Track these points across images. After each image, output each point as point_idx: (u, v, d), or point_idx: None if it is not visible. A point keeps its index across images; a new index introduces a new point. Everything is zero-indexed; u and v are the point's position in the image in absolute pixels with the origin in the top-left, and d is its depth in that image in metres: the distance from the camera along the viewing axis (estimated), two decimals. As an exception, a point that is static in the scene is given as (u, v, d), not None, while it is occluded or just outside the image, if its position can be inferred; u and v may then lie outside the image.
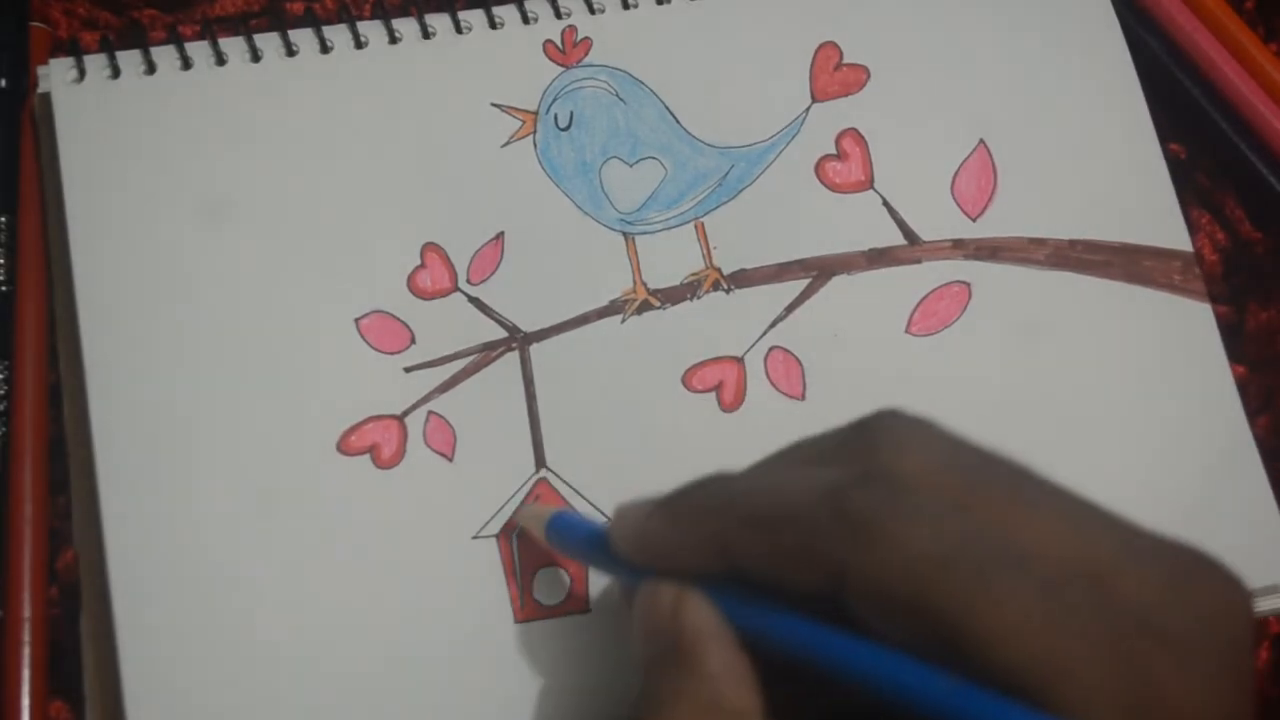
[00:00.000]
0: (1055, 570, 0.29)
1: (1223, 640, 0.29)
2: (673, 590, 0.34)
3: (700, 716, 0.32)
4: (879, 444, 0.32)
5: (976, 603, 0.28)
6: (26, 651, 0.42)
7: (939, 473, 0.31)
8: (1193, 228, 0.51)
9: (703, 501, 0.34)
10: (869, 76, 0.48)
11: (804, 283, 0.46)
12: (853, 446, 0.33)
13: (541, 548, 0.42)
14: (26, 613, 0.42)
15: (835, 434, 0.34)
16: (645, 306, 0.45)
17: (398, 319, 0.44)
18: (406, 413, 0.43)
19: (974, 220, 0.47)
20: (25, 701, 0.42)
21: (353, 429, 0.43)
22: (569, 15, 0.48)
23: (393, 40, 0.47)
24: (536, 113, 0.46)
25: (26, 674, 0.42)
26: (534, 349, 0.44)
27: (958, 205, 0.47)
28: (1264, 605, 0.44)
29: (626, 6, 0.48)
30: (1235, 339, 0.50)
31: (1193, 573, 0.30)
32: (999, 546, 0.29)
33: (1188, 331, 0.47)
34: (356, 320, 0.44)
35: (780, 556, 0.32)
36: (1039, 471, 0.32)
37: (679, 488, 0.35)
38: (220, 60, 0.46)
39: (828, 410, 0.44)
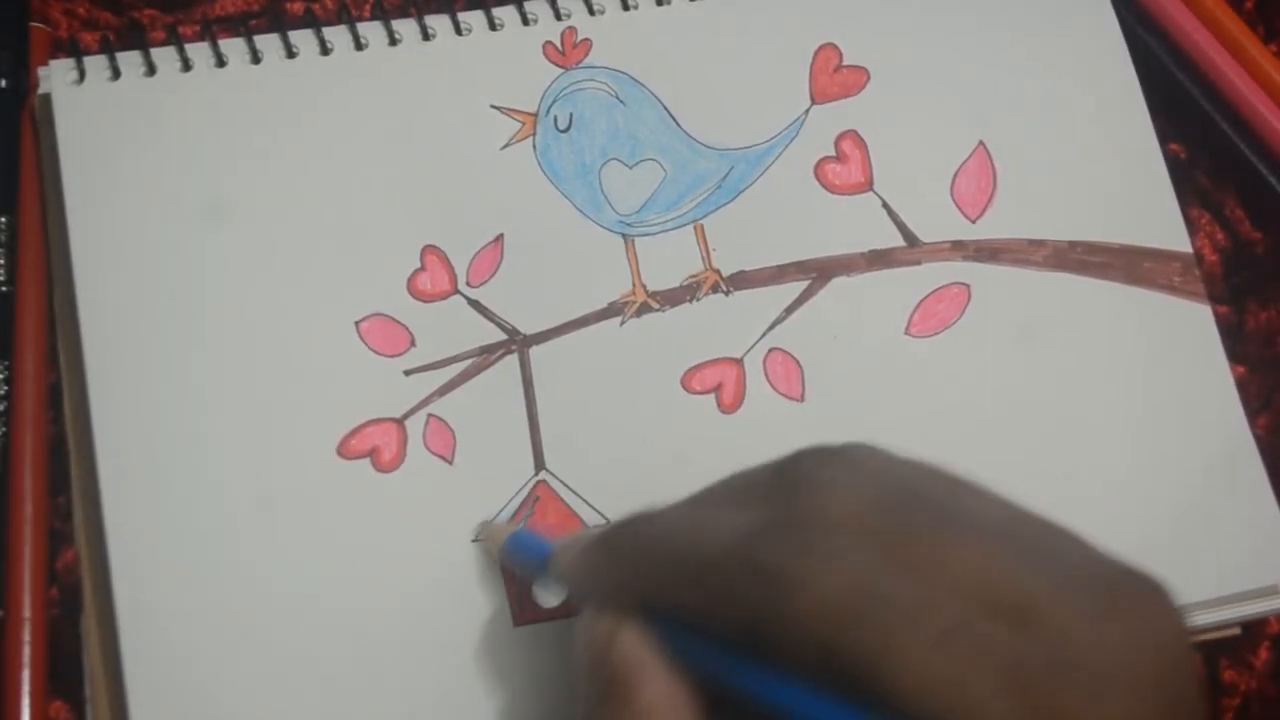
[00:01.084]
0: (970, 610, 0.29)
1: (1148, 670, 0.28)
2: (608, 620, 0.34)
3: None
4: (800, 486, 0.32)
5: (884, 655, 0.28)
6: (26, 651, 0.42)
7: (859, 514, 0.31)
8: (1193, 228, 0.51)
9: (635, 542, 0.34)
10: (868, 78, 0.48)
11: (803, 284, 0.46)
12: (774, 487, 0.32)
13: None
14: (26, 613, 0.42)
15: (762, 470, 0.33)
16: (645, 308, 0.45)
17: (397, 321, 0.44)
18: (406, 415, 0.43)
19: (973, 222, 0.47)
20: (25, 701, 0.42)
21: (353, 432, 0.43)
22: (569, 17, 0.48)
23: (392, 42, 0.47)
24: (536, 114, 0.46)
25: (26, 674, 0.42)
26: (533, 351, 0.44)
27: (957, 207, 0.47)
28: (1263, 606, 0.44)
29: (626, 8, 0.48)
30: (1235, 339, 0.50)
31: (1121, 600, 0.29)
32: (910, 594, 0.29)
33: (1187, 333, 0.47)
34: (356, 323, 0.44)
35: (701, 604, 0.32)
36: (979, 493, 0.31)
37: (614, 523, 0.35)
38: (220, 61, 0.46)
39: (827, 411, 0.44)
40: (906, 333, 0.46)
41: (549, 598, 0.41)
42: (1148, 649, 0.29)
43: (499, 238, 0.45)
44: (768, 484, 0.33)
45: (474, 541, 0.42)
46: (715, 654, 0.32)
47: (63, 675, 0.43)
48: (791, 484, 0.32)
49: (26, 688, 0.42)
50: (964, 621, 0.29)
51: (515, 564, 0.41)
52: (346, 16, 0.47)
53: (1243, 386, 0.48)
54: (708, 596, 0.31)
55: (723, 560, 0.31)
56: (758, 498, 0.33)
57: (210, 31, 0.46)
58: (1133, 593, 0.30)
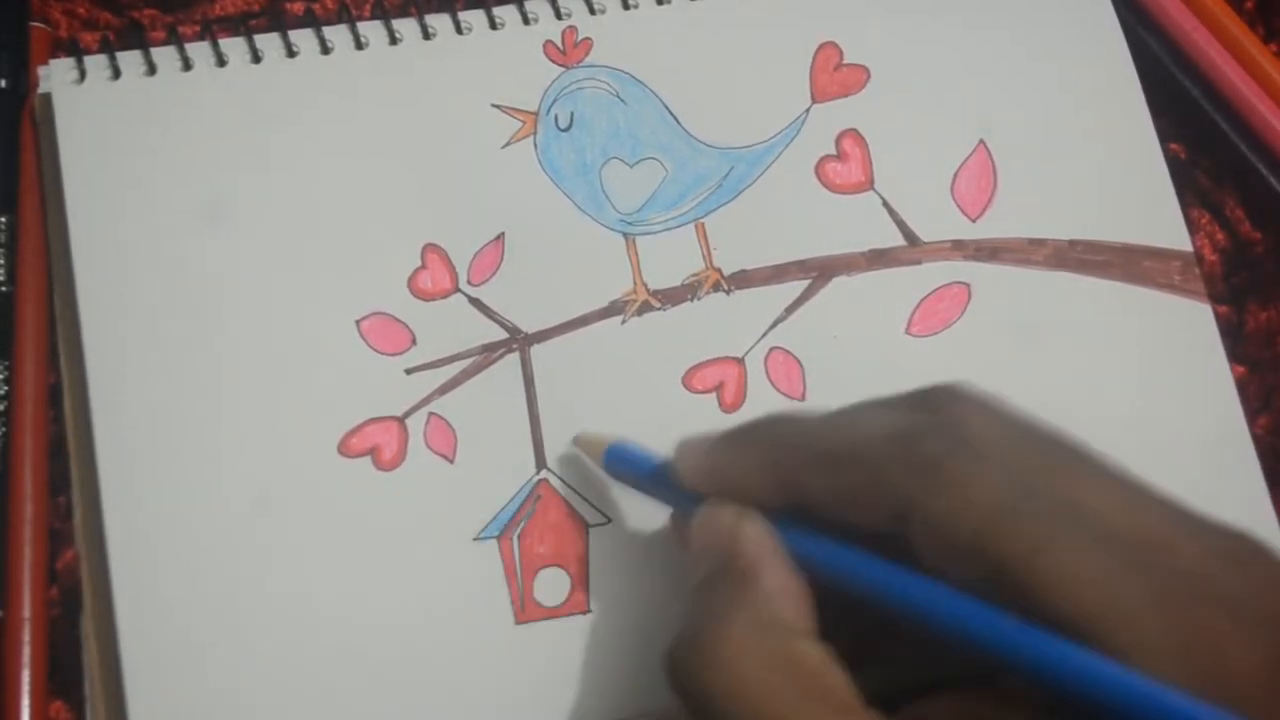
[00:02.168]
0: (1117, 531, 0.30)
1: (1273, 611, 0.29)
2: (733, 511, 0.35)
3: (755, 629, 0.32)
4: (946, 405, 0.33)
5: (1038, 550, 0.29)
6: (26, 651, 0.42)
7: (1003, 435, 0.32)
8: (1193, 228, 0.51)
9: (773, 434, 0.35)
10: (869, 77, 0.48)
11: (804, 283, 0.46)
12: (918, 404, 0.34)
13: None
14: (26, 613, 0.42)
15: (902, 396, 0.34)
16: (646, 307, 0.45)
17: (398, 320, 0.44)
18: (407, 414, 0.43)
19: (974, 221, 0.47)
20: (25, 701, 0.42)
21: (354, 430, 0.43)
22: (569, 16, 0.48)
23: (393, 41, 0.47)
24: (537, 113, 0.46)
25: (26, 674, 0.42)
26: (534, 350, 0.44)
27: (958, 206, 0.47)
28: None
29: (627, 7, 0.48)
30: (1235, 339, 0.50)
31: (1245, 549, 0.30)
32: (1061, 501, 0.30)
33: (1187, 332, 0.47)
34: (357, 321, 0.44)
35: (846, 493, 0.32)
36: (1098, 451, 0.32)
37: (745, 422, 0.36)
38: (221, 61, 0.46)
39: (828, 411, 0.44)
40: (907, 332, 0.46)
41: (554, 595, 0.41)
42: (1273, 594, 0.29)
43: (500, 236, 0.45)
44: (912, 401, 0.34)
45: (573, 445, 0.43)
46: (844, 552, 0.33)
47: (63, 675, 0.42)
48: (938, 403, 0.33)
49: (26, 688, 0.42)
50: (1115, 532, 0.29)
51: (618, 470, 0.41)
52: (347, 16, 0.47)
53: (1242, 386, 0.48)
54: (854, 485, 0.32)
55: (880, 452, 0.32)
56: (902, 409, 0.34)
57: (210, 31, 0.46)
58: (1253, 545, 0.31)
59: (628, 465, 0.41)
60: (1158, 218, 0.48)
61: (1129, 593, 0.28)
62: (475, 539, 0.42)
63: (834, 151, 0.47)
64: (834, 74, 0.48)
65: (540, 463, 0.43)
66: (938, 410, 0.33)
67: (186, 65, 0.46)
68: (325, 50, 0.46)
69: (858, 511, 0.32)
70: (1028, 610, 0.29)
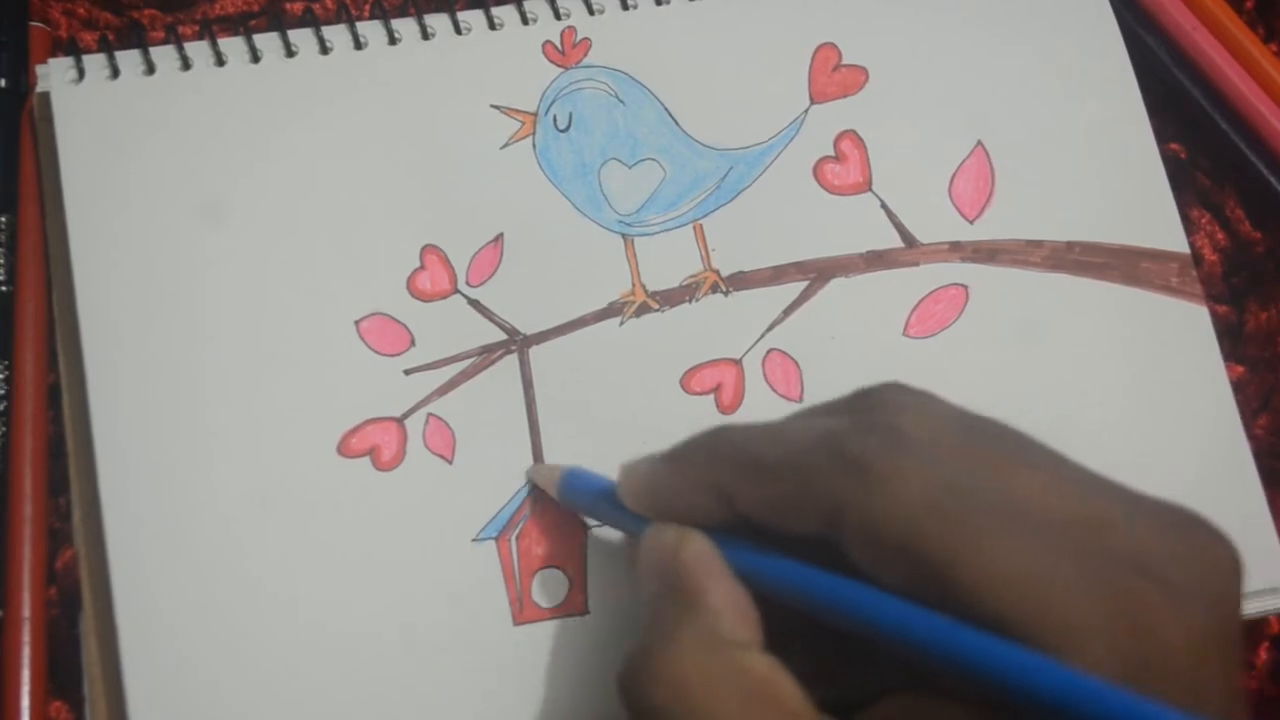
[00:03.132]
0: (1048, 518, 0.30)
1: (1214, 590, 0.29)
2: (674, 530, 0.35)
3: (701, 646, 0.32)
4: (879, 405, 0.33)
5: (967, 547, 0.29)
6: (26, 651, 0.42)
7: (937, 430, 0.32)
8: (1193, 228, 0.51)
9: (708, 450, 0.35)
10: (867, 78, 0.48)
11: (802, 285, 0.46)
12: (855, 405, 0.34)
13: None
14: (26, 613, 0.42)
15: (839, 400, 0.35)
16: (644, 309, 0.45)
17: (397, 321, 0.44)
18: (406, 415, 0.43)
19: (971, 223, 0.47)
20: (25, 701, 0.42)
21: (353, 431, 0.43)
22: (568, 16, 0.48)
23: (392, 41, 0.47)
24: (536, 114, 0.46)
25: (26, 674, 0.42)
26: (533, 351, 0.44)
27: (955, 207, 0.47)
28: (1261, 606, 0.44)
29: (625, 8, 0.48)
30: (1235, 339, 0.50)
31: (1184, 527, 0.31)
32: (991, 496, 0.30)
33: (1184, 334, 0.47)
34: (356, 322, 0.44)
35: (778, 501, 0.33)
36: (1037, 438, 0.33)
37: (684, 440, 0.36)
38: (220, 61, 0.46)
39: (826, 412, 0.44)
40: (905, 333, 0.46)
41: (553, 595, 0.41)
42: (1212, 572, 0.30)
43: (499, 237, 0.45)
44: (847, 403, 0.34)
45: (527, 480, 0.43)
46: (783, 564, 0.33)
47: (62, 675, 0.43)
48: (872, 403, 0.33)
49: (26, 688, 0.42)
50: (1048, 522, 0.30)
51: (573, 498, 0.41)
52: (346, 16, 0.47)
53: (1242, 387, 0.48)
54: (786, 493, 0.32)
55: (808, 457, 0.32)
56: (838, 410, 0.34)
57: (209, 31, 0.46)
58: (1193, 524, 0.31)
59: (581, 493, 0.41)
60: (1155, 220, 0.48)
61: (1058, 580, 0.29)
62: (474, 540, 0.42)
63: (832, 153, 0.47)
64: (832, 75, 0.48)
65: (539, 463, 0.43)
66: (871, 411, 0.33)
67: (185, 65, 0.46)
68: (324, 50, 0.46)
69: (792, 519, 0.33)
70: (959, 608, 0.29)
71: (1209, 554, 0.30)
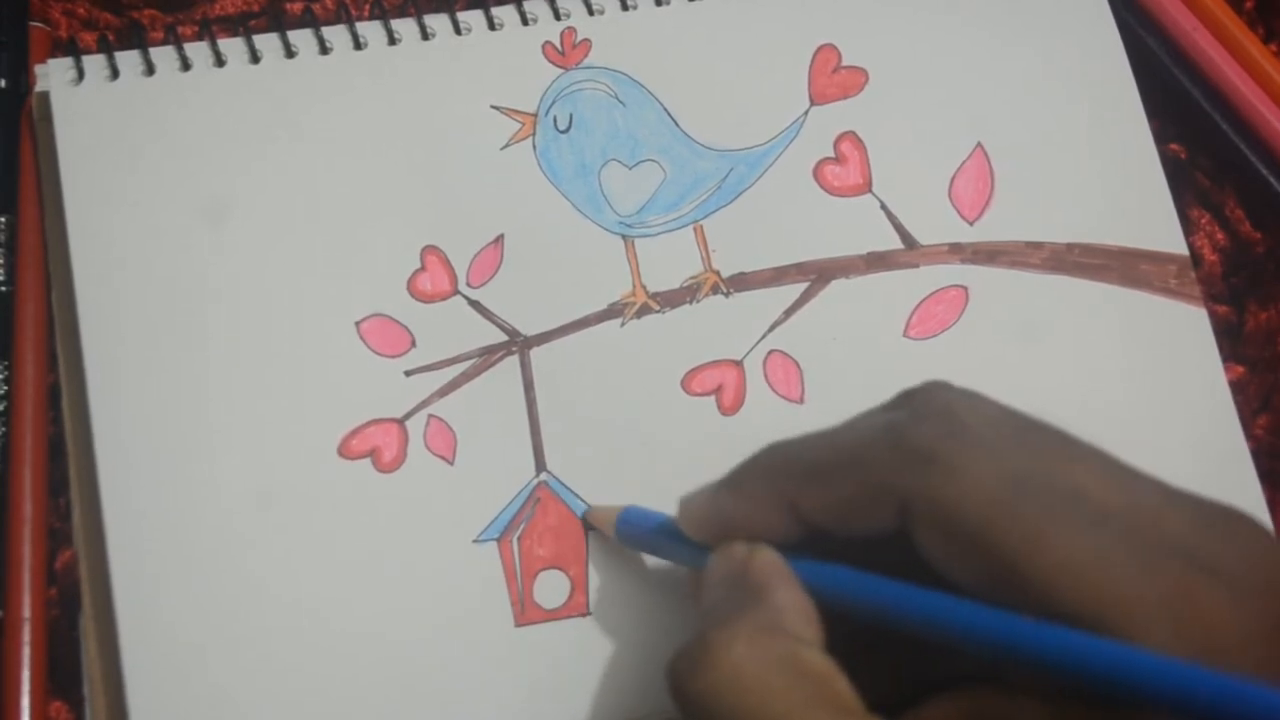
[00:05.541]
0: (1106, 509, 0.30)
1: (1262, 577, 0.30)
2: (743, 545, 0.35)
3: (760, 635, 0.32)
4: (930, 400, 0.33)
5: (1036, 536, 0.29)
6: (26, 651, 0.42)
7: (990, 422, 0.32)
8: (1193, 228, 0.51)
9: (762, 467, 0.35)
10: (867, 79, 0.48)
11: (803, 286, 0.46)
12: (904, 404, 0.34)
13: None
14: (26, 613, 0.42)
15: (886, 402, 0.35)
16: (645, 310, 0.45)
17: (398, 322, 0.44)
18: (407, 416, 0.43)
19: (971, 224, 0.47)
20: (25, 701, 0.42)
21: (353, 432, 0.43)
22: (568, 17, 0.48)
23: (392, 41, 0.47)
24: (536, 115, 0.46)
25: (26, 674, 0.42)
26: (534, 352, 0.44)
27: (955, 209, 0.47)
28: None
29: (625, 8, 0.48)
30: (1235, 339, 0.50)
31: (1232, 521, 0.31)
32: (1053, 487, 0.30)
33: (1183, 335, 0.47)
34: (357, 323, 0.44)
35: (844, 503, 0.33)
36: (1078, 435, 0.33)
37: (741, 463, 0.36)
38: (219, 61, 0.46)
39: (827, 414, 0.44)
40: (905, 335, 0.46)
41: (554, 597, 0.42)
42: (1262, 563, 0.30)
43: (499, 238, 0.45)
44: (897, 401, 0.34)
45: (584, 522, 0.43)
46: (853, 575, 0.33)
47: (62, 675, 0.43)
48: (923, 399, 0.33)
49: (26, 688, 0.42)
50: (1106, 513, 0.30)
51: (630, 537, 0.41)
52: (345, 16, 0.47)
53: (1242, 387, 0.48)
54: (851, 492, 0.33)
55: (871, 452, 0.32)
56: (890, 408, 0.34)
57: (209, 31, 0.46)
58: (1239, 518, 0.31)
59: (639, 530, 0.41)
60: (1154, 221, 0.48)
61: (1123, 571, 0.29)
62: (475, 541, 0.42)
63: (832, 154, 0.47)
64: (832, 76, 0.48)
65: (540, 465, 0.43)
66: (926, 405, 0.33)
67: (185, 65, 0.45)
68: (324, 50, 0.46)
69: (859, 518, 0.33)
70: (1027, 597, 0.29)
71: (1254, 545, 0.30)
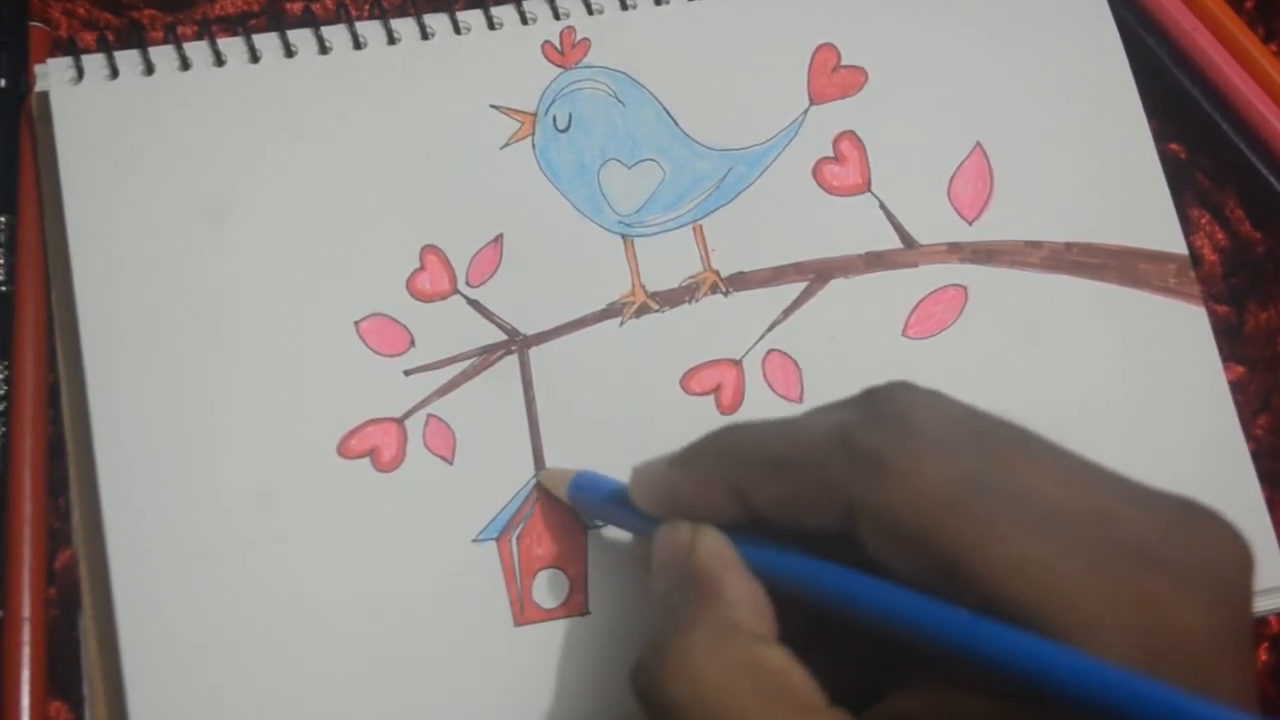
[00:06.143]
0: (1057, 509, 0.30)
1: (1222, 577, 0.30)
2: (688, 526, 0.35)
3: (717, 637, 0.32)
4: (888, 400, 0.33)
5: (982, 538, 0.29)
6: (26, 651, 0.42)
7: (947, 424, 0.32)
8: (1193, 228, 0.51)
9: (716, 448, 0.35)
10: (867, 79, 0.48)
11: (802, 285, 0.46)
12: (864, 401, 0.34)
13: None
14: (26, 613, 0.42)
15: (847, 399, 0.35)
16: (644, 309, 0.45)
17: (397, 321, 0.44)
18: (406, 415, 0.43)
19: (970, 223, 0.47)
20: (25, 701, 0.42)
21: (352, 432, 0.43)
22: (567, 16, 0.48)
23: (391, 41, 0.47)
24: (535, 114, 0.46)
25: (26, 674, 0.42)
26: (533, 352, 0.44)
27: (954, 208, 0.47)
28: (1257, 606, 0.44)
29: (625, 7, 0.48)
30: (1235, 339, 0.50)
31: (1191, 517, 0.31)
32: (1003, 486, 0.30)
33: (1182, 334, 0.47)
34: (356, 323, 0.44)
35: (792, 496, 0.33)
36: (1042, 435, 0.33)
37: (696, 440, 0.36)
38: (219, 61, 0.46)
39: (826, 413, 0.44)
40: (904, 334, 0.46)
41: (553, 596, 0.42)
42: (1220, 560, 0.30)
43: (498, 238, 0.45)
44: (856, 401, 0.34)
45: (535, 483, 0.43)
46: (797, 560, 0.33)
47: (62, 675, 0.43)
48: (881, 399, 0.33)
49: (26, 688, 0.42)
50: (1057, 513, 0.30)
51: (582, 501, 0.41)
52: (345, 16, 0.47)
53: (1242, 387, 0.48)
54: (799, 488, 0.33)
55: (821, 451, 0.32)
56: (848, 408, 0.34)
57: (209, 31, 0.46)
58: (1200, 514, 0.31)
59: (591, 495, 0.41)
60: (1153, 221, 0.48)
61: (1071, 571, 0.29)
62: (474, 540, 0.42)
63: (831, 153, 0.47)
64: (832, 76, 0.48)
65: (539, 464, 0.43)
66: (882, 405, 0.33)
67: (184, 65, 0.46)
68: (323, 50, 0.46)
69: (805, 514, 0.33)
70: (974, 599, 0.29)
71: (1217, 544, 0.30)
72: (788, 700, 0.31)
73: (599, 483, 0.41)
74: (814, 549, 0.33)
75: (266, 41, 0.46)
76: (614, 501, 0.39)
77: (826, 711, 0.31)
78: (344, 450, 0.43)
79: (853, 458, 0.32)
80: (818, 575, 0.33)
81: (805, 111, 0.47)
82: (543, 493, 0.43)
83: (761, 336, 0.45)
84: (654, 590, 0.36)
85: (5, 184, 0.46)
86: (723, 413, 0.44)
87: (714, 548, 0.35)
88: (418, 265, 0.45)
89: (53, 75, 0.45)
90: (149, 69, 0.45)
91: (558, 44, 0.47)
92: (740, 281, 0.46)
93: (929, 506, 0.30)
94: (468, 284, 0.45)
